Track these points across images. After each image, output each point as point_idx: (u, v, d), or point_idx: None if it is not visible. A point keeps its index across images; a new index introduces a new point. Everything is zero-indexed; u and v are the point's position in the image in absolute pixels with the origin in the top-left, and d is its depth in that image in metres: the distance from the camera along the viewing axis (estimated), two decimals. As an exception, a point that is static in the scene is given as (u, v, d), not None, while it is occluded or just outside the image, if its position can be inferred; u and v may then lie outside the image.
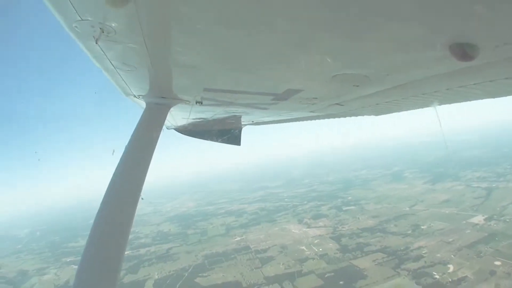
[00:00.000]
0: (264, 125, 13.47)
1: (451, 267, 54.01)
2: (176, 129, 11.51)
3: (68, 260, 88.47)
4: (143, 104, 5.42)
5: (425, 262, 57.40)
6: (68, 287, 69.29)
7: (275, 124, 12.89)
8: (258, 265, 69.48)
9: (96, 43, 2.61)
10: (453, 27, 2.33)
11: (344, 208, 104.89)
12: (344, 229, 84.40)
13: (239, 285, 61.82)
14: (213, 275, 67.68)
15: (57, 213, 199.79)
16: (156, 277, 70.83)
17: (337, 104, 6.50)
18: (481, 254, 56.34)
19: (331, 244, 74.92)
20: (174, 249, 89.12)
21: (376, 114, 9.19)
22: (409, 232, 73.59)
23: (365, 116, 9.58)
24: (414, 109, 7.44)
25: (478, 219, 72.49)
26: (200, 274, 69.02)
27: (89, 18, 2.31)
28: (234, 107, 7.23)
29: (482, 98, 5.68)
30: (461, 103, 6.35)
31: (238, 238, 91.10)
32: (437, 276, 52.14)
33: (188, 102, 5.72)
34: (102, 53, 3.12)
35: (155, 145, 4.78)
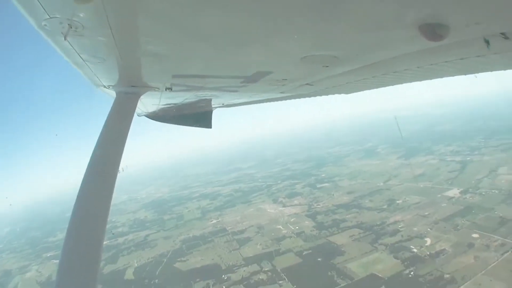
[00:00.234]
0: (235, 107, 13.41)
1: (428, 241, 54.81)
2: (147, 116, 11.36)
3: (48, 255, 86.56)
4: (113, 94, 5.35)
5: (402, 236, 58.36)
6: (50, 283, 67.48)
7: (246, 106, 12.96)
8: (236, 247, 69.61)
9: (65, 39, 2.59)
10: (423, 7, 2.36)
11: (318, 186, 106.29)
12: (319, 206, 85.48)
13: (218, 267, 61.52)
14: (191, 259, 67.36)
15: (35, 209, 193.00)
16: (136, 265, 70.09)
17: (307, 84, 6.57)
18: (458, 227, 57.20)
19: (307, 222, 75.68)
20: (152, 235, 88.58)
21: (347, 93, 9.49)
22: (385, 207, 74.86)
23: (336, 95, 9.81)
24: (384, 86, 7.77)
25: (454, 192, 73.57)
26: (179, 259, 68.62)
27: (58, 16, 2.33)
28: (204, 91, 7.26)
29: (453, 75, 5.94)
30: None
31: (215, 221, 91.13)
32: (414, 250, 52.91)
33: (158, 89, 5.70)
34: (71, 47, 3.10)
35: (127, 133, 4.75)
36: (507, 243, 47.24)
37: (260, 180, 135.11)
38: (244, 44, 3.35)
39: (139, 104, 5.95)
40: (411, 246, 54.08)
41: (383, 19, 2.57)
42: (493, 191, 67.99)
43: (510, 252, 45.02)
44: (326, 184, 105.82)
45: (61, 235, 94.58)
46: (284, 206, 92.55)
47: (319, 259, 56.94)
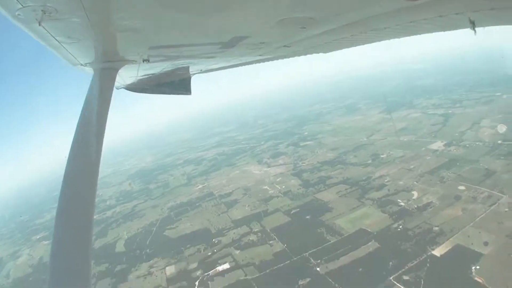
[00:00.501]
0: (212, 72, 13.47)
1: (415, 194, 55.31)
2: (126, 88, 11.24)
3: (38, 237, 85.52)
4: (91, 71, 5.30)
5: (389, 190, 58.91)
6: (42, 264, 67.09)
7: (224, 70, 13.06)
8: (224, 210, 69.96)
9: (40, 25, 2.61)
10: None
11: (302, 144, 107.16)
12: (304, 164, 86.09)
13: (208, 231, 61.77)
14: (181, 226, 67.53)
15: (21, 194, 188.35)
16: (126, 236, 69.95)
17: (284, 46, 6.61)
18: (444, 180, 57.68)
19: (293, 181, 76.21)
20: (139, 206, 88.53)
21: (325, 52, 9.36)
22: (369, 161, 75.38)
23: (314, 54, 9.81)
24: (363, 44, 7.79)
25: (438, 145, 74.14)
26: (168, 227, 68.74)
27: (30, 4, 2.34)
28: (181, 60, 7.25)
29: (432, 32, 5.88)
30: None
31: (201, 186, 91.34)
32: (402, 204, 53.41)
33: (135, 61, 5.63)
34: (46, 32, 3.08)
35: (108, 107, 4.69)
36: (494, 195, 47.87)
37: (243, 142, 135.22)
38: (220, 10, 3.23)
39: (117, 78, 5.79)
40: (398, 200, 54.53)
41: None
42: (477, 143, 68.57)
43: (497, 204, 45.67)
44: (310, 142, 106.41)
45: (49, 216, 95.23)
46: (269, 166, 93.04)
47: (307, 217, 57.36)
